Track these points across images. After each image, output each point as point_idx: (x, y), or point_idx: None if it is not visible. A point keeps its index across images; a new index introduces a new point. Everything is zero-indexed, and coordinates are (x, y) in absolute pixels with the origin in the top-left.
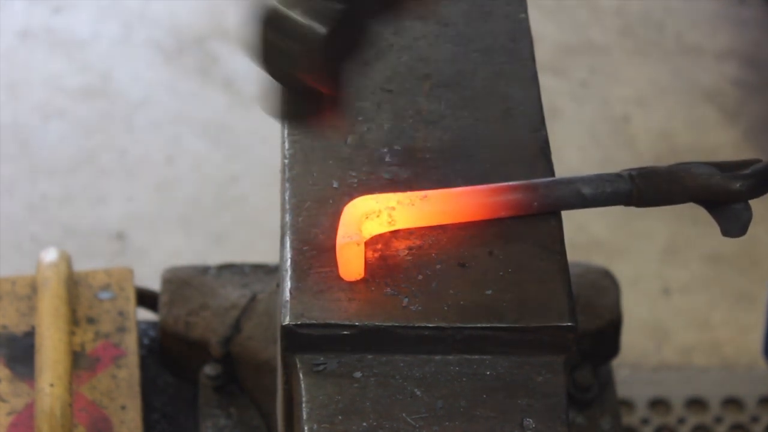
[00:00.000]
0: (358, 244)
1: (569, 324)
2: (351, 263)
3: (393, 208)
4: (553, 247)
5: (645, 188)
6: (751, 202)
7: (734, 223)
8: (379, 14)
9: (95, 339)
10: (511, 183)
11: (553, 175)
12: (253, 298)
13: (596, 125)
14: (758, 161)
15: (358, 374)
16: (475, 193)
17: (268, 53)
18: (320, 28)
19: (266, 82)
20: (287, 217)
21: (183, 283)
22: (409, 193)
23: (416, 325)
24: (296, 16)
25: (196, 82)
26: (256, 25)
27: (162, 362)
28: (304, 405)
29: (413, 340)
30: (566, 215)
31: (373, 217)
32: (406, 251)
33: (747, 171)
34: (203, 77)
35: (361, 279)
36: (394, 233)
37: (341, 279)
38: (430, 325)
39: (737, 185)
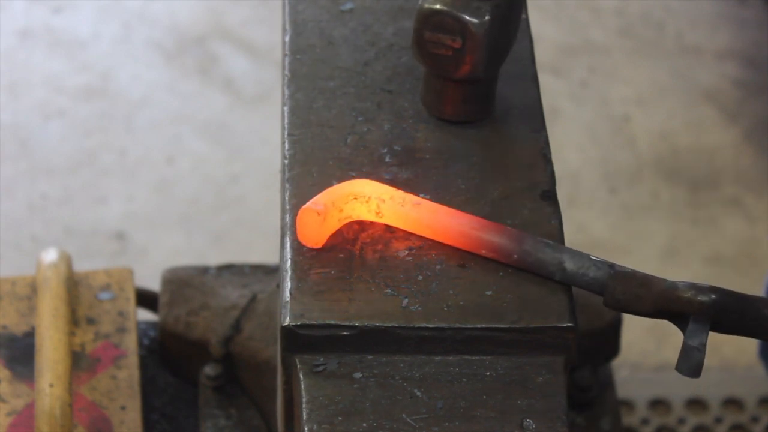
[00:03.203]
0: (319, 214)
1: (569, 324)
2: (307, 228)
3: (383, 201)
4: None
5: (617, 289)
6: (752, 202)
7: (685, 362)
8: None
9: (95, 339)
10: (502, 226)
11: (553, 176)
12: (253, 299)
13: (596, 125)
14: None
15: (358, 375)
16: (464, 221)
17: (428, 51)
18: (480, 23)
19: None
20: (287, 218)
21: (183, 283)
22: (405, 194)
23: (416, 325)
24: (455, 12)
25: (196, 82)
26: (416, 24)
27: (162, 362)
28: (304, 405)
29: (413, 341)
30: (566, 215)
31: (362, 200)
32: (406, 252)
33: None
34: (203, 77)
35: (358, 278)
36: (394, 233)
37: (341, 279)
38: (430, 326)
39: (700, 301)
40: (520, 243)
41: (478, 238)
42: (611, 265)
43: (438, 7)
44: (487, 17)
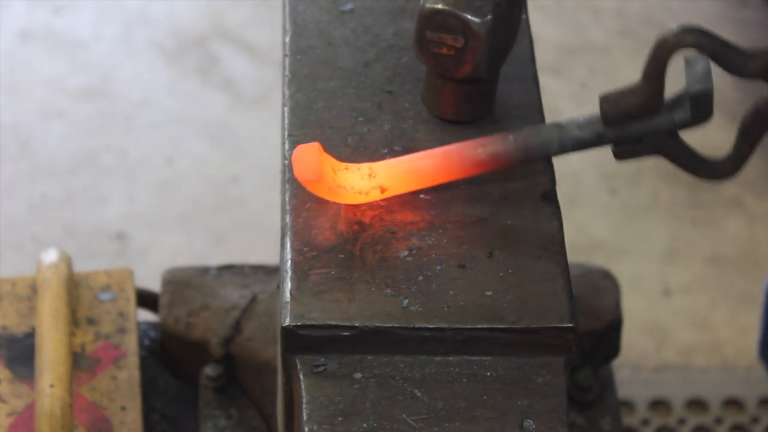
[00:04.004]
0: (319, 153)
1: (569, 325)
2: (304, 163)
3: (372, 168)
4: (553, 248)
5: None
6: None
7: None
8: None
9: (95, 340)
10: (490, 137)
11: (553, 176)
12: (253, 299)
13: None
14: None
15: (358, 375)
16: (455, 153)
17: (429, 50)
18: (482, 22)
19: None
20: (287, 218)
21: (183, 283)
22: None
23: (416, 326)
24: (457, 11)
25: (196, 83)
26: (418, 24)
27: (162, 363)
28: (304, 406)
29: (413, 341)
30: (566, 215)
31: (354, 170)
32: (407, 252)
33: (730, 151)
34: (203, 78)
35: (358, 278)
36: (394, 234)
37: (341, 280)
38: (431, 326)
39: (723, 175)
40: (515, 141)
41: (476, 162)
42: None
43: (440, 6)
44: (489, 16)
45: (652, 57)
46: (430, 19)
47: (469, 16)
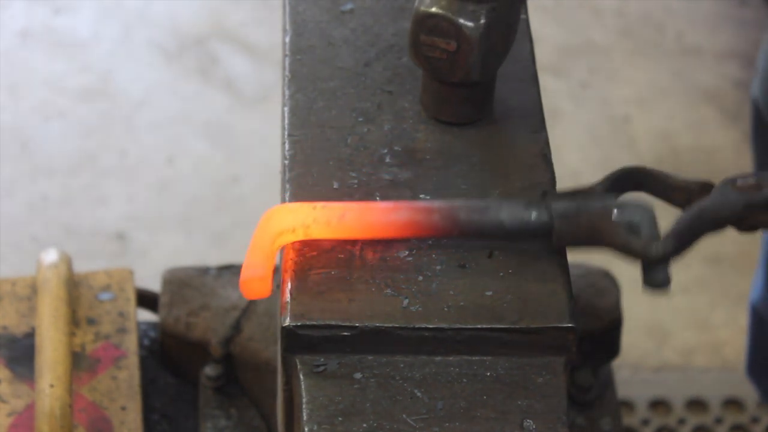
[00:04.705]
0: (261, 279)
1: (569, 325)
2: (255, 291)
3: (308, 227)
4: (553, 248)
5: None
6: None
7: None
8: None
9: (95, 340)
10: (431, 204)
11: (553, 176)
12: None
13: (596, 126)
14: (707, 185)
15: (358, 375)
16: (393, 215)
17: (423, 53)
18: (475, 26)
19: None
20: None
21: (183, 283)
22: (330, 209)
23: (416, 326)
24: (450, 15)
25: (196, 83)
26: (412, 27)
27: (162, 363)
28: (304, 406)
29: (413, 341)
30: None
31: (287, 233)
32: (407, 252)
33: (668, 233)
34: (203, 78)
35: (358, 278)
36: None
37: (341, 280)
38: (431, 326)
39: (653, 252)
40: (454, 216)
41: (414, 225)
42: (547, 204)
43: (433, 10)
44: (482, 21)
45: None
46: (423, 23)
47: (461, 21)
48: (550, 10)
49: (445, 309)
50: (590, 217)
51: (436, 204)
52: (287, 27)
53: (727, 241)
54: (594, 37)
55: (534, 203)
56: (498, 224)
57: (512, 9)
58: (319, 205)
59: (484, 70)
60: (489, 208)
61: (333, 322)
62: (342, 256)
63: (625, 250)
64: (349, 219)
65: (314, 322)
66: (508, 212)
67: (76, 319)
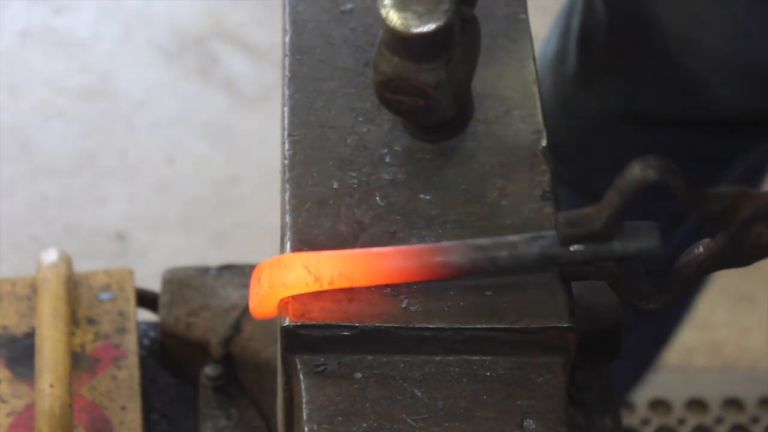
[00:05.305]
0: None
1: (569, 325)
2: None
3: (308, 285)
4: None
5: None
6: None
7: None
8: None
9: (95, 340)
10: (431, 247)
11: (553, 176)
12: None
13: None
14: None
15: (358, 375)
16: (393, 262)
17: (393, 107)
18: (438, 83)
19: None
20: (287, 218)
21: (183, 283)
22: (330, 270)
23: (416, 326)
24: (410, 77)
25: (196, 83)
26: (375, 86)
27: (162, 363)
28: (304, 406)
29: (413, 341)
30: None
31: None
32: None
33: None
34: (203, 77)
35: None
36: (394, 234)
37: None
38: (430, 326)
39: (650, 305)
40: (450, 257)
41: (412, 272)
42: (542, 238)
43: (391, 75)
44: (443, 75)
45: (615, 188)
46: (385, 85)
47: (422, 80)
48: (550, 10)
49: (445, 309)
50: (601, 268)
51: (434, 247)
52: (287, 27)
53: None
54: None
55: (547, 247)
56: (492, 262)
57: (471, 42)
58: (313, 259)
59: (457, 102)
60: (483, 247)
61: (333, 322)
62: None
63: (625, 302)
64: (347, 278)
65: (314, 322)
66: (505, 250)
67: (75, 318)
